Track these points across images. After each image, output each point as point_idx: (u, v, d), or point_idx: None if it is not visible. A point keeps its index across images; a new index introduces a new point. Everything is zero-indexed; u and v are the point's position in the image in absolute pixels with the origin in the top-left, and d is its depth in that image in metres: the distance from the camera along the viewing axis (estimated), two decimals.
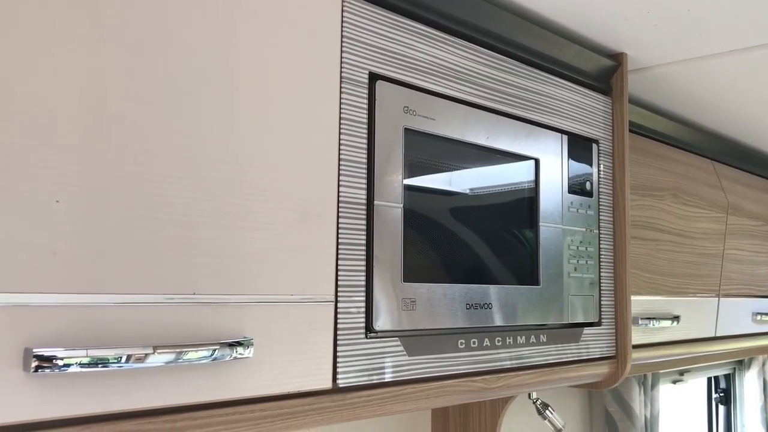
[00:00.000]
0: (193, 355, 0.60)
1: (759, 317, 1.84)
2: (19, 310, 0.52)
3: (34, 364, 0.52)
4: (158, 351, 0.58)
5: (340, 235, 0.75)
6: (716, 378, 2.54)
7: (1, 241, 0.51)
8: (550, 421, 1.29)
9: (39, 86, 0.54)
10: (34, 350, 0.52)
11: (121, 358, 0.56)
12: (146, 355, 0.57)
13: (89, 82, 0.56)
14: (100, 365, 0.55)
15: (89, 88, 0.56)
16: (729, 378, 2.53)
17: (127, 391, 0.57)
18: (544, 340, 1.00)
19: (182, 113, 0.62)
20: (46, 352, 0.52)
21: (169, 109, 0.61)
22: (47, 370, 0.52)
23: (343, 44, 0.77)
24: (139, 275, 0.59)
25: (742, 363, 2.50)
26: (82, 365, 0.54)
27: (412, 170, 0.83)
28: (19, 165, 0.53)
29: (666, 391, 2.22)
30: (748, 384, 2.47)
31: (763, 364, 2.46)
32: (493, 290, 0.91)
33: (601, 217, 1.14)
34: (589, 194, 1.11)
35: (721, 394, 2.53)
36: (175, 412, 0.61)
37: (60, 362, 0.53)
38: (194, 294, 0.62)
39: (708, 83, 1.34)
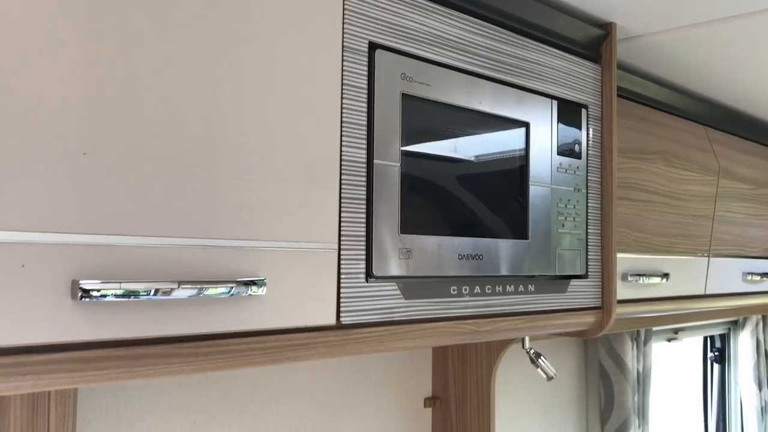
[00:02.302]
0: (212, 291, 0.70)
1: (750, 277, 1.91)
2: (67, 248, 0.61)
3: (79, 294, 0.61)
4: (182, 286, 0.67)
5: (342, 191, 0.84)
6: (712, 337, 2.63)
7: (49, 187, 0.60)
8: (542, 369, 1.38)
9: (70, 52, 0.62)
10: (80, 282, 0.61)
11: (150, 291, 0.65)
12: (172, 289, 0.66)
13: (118, 45, 0.65)
14: (132, 296, 0.64)
15: (120, 51, 0.65)
16: (724, 338, 2.62)
17: (158, 320, 0.67)
18: (532, 289, 1.09)
19: (202, 80, 0.70)
20: (88, 284, 0.62)
21: (191, 75, 0.70)
22: (89, 299, 0.62)
23: (345, 16, 0.84)
24: (167, 220, 0.68)
25: (737, 323, 2.58)
26: (117, 296, 0.63)
27: (409, 132, 0.92)
28: (54, 118, 0.61)
29: (661, 348, 2.31)
30: (742, 343, 2.56)
31: (757, 325, 2.55)
32: (483, 242, 1.00)
33: (589, 178, 1.22)
34: (578, 156, 1.19)
35: (716, 353, 2.62)
36: (200, 339, 0.70)
37: (97, 293, 0.62)
38: (215, 238, 0.71)
39: (698, 51, 1.41)
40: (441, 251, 0.95)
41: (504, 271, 1.04)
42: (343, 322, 0.83)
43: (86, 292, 0.61)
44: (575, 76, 1.19)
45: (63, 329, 0.61)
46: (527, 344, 1.38)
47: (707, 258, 1.73)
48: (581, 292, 1.19)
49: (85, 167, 0.63)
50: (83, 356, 0.62)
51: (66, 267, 0.62)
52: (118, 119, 0.65)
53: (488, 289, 1.02)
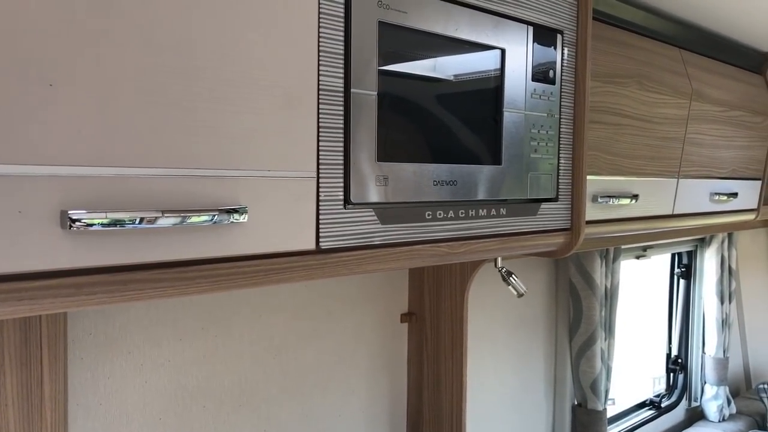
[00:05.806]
0: (195, 219, 0.73)
1: (716, 197, 1.98)
2: (55, 179, 0.64)
3: (68, 223, 0.64)
4: (166, 215, 0.70)
5: (320, 119, 0.86)
6: (679, 254, 2.72)
7: (35, 122, 0.62)
8: (513, 287, 1.44)
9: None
10: (69, 212, 0.64)
11: (135, 219, 0.68)
12: (156, 218, 0.69)
13: None
14: (118, 225, 0.67)
15: None
16: (691, 255, 2.71)
17: (144, 247, 0.70)
18: (504, 213, 1.13)
19: (176, 9, 0.71)
20: (76, 214, 0.64)
21: (166, 7, 0.70)
22: (77, 229, 0.64)
23: None
24: (150, 151, 0.70)
25: (703, 241, 2.68)
26: (103, 225, 0.66)
27: (385, 60, 0.93)
28: (18, 54, 0.62)
29: (629, 265, 2.40)
30: (708, 260, 2.66)
31: (722, 242, 2.64)
32: (458, 169, 1.03)
33: (562, 103, 1.24)
34: (552, 82, 1.21)
35: (682, 269, 2.73)
36: (185, 265, 0.74)
37: (84, 222, 0.65)
38: (197, 168, 0.73)
39: None
40: (417, 178, 0.98)
41: (478, 196, 1.07)
42: (322, 247, 0.87)
43: (74, 221, 0.64)
44: (551, 2, 1.20)
45: (55, 257, 0.64)
46: (499, 263, 1.43)
47: (676, 179, 1.78)
48: (551, 215, 1.24)
49: (52, 98, 0.64)
50: (75, 282, 0.66)
51: (55, 198, 0.64)
52: (91, 53, 0.66)
53: (462, 213, 1.06)
